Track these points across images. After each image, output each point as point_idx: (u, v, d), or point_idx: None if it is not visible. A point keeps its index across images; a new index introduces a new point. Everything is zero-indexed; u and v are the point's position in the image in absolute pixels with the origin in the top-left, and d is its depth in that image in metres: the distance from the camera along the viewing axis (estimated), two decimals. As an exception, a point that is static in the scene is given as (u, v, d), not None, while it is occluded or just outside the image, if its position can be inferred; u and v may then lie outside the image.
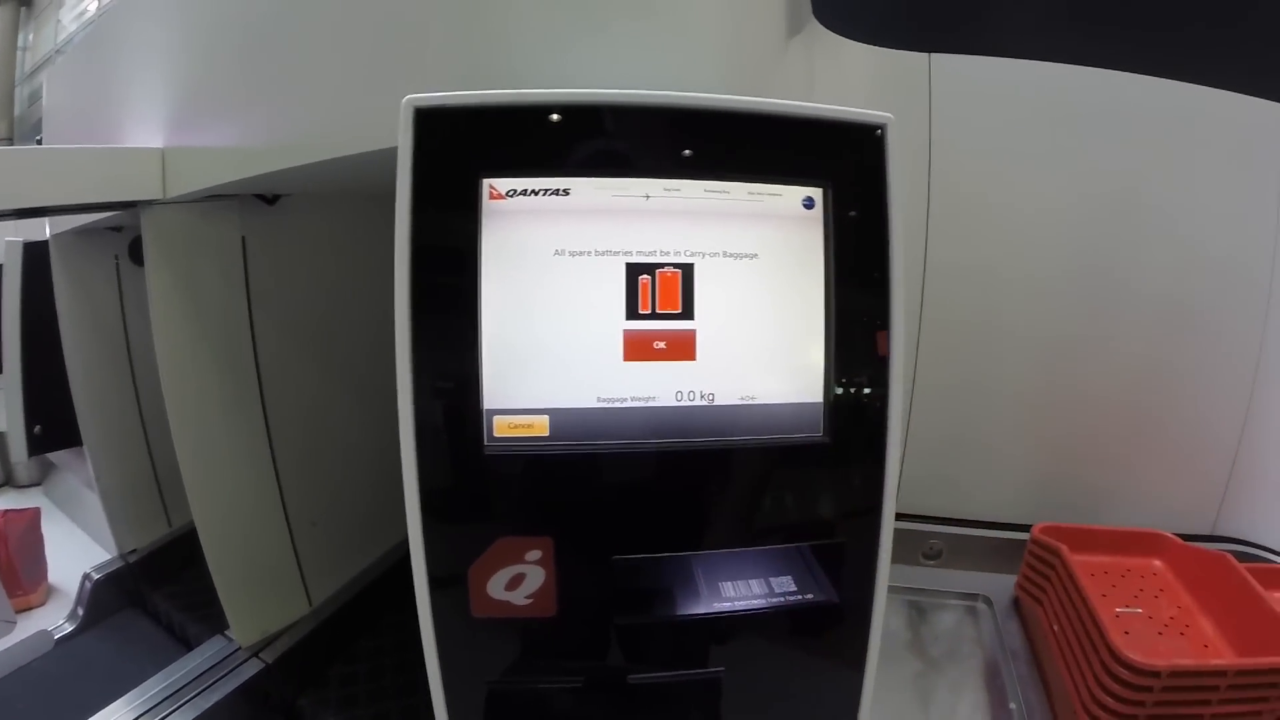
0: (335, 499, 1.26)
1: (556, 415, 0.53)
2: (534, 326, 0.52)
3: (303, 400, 1.18)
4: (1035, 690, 0.89)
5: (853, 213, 0.55)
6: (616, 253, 0.53)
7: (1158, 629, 0.89)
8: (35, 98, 4.31)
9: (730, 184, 0.54)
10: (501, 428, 0.52)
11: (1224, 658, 0.83)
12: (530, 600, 0.55)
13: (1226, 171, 1.04)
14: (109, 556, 1.52)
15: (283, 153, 0.75)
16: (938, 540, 1.16)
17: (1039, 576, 0.99)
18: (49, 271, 1.38)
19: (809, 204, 0.55)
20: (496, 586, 0.54)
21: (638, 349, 0.53)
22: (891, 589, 1.05)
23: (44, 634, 1.36)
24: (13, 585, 1.42)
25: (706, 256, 0.54)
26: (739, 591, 0.57)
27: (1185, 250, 1.06)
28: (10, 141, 4.46)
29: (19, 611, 1.42)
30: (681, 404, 0.53)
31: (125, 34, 1.07)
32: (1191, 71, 0.95)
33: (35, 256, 1.41)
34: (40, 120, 1.54)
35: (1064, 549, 0.94)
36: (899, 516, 1.18)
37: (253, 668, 1.10)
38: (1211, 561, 0.92)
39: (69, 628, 1.41)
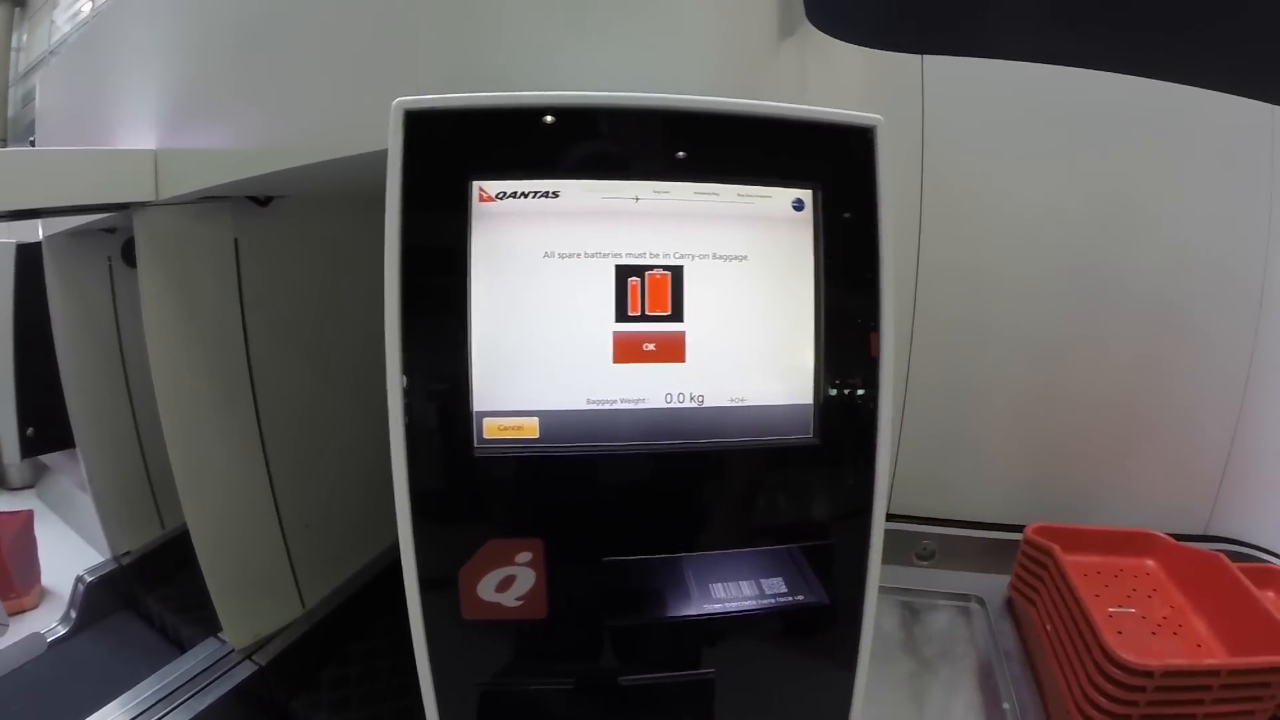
0: (328, 501, 1.25)
1: (546, 417, 0.53)
2: (524, 328, 0.52)
3: (295, 402, 1.18)
4: (1029, 690, 0.89)
5: (842, 214, 0.55)
6: (606, 255, 0.53)
7: (1150, 629, 0.89)
8: (29, 99, 4.30)
9: (720, 186, 0.54)
10: (491, 429, 0.52)
11: (1217, 657, 0.84)
12: (521, 602, 0.54)
13: (1217, 172, 1.04)
14: (102, 559, 1.51)
15: (275, 155, 0.75)
16: (930, 541, 1.16)
17: (1032, 577, 1.00)
18: (42, 273, 1.38)
19: (799, 206, 0.55)
20: (487, 588, 0.54)
21: (627, 351, 0.53)
22: (884, 590, 1.06)
23: (37, 637, 1.36)
24: (6, 588, 1.42)
25: (696, 258, 0.54)
26: (730, 593, 0.57)
27: (1176, 250, 1.07)
28: (4, 143, 4.45)
29: (12, 614, 1.41)
30: (671, 406, 0.54)
31: (119, 35, 1.07)
32: (1182, 73, 0.95)
33: (28, 258, 1.41)
34: (34, 122, 1.53)
35: (1056, 549, 0.94)
36: (892, 517, 1.19)
37: (246, 670, 1.09)
38: (1204, 561, 0.93)
39: (62, 630, 1.40)
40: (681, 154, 0.53)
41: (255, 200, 1.07)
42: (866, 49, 0.94)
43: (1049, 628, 0.90)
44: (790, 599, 0.57)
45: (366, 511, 1.29)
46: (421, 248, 0.51)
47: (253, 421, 1.12)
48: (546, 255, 0.52)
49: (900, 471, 1.18)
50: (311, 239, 1.18)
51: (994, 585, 1.08)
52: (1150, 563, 1.01)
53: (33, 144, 1.64)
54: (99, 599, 1.44)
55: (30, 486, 2.01)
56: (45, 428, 1.47)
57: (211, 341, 1.06)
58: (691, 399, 0.54)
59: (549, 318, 0.52)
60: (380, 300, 0.51)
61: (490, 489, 0.54)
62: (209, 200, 1.00)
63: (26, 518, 1.53)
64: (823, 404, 0.55)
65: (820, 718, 0.62)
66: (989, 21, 0.93)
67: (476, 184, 0.52)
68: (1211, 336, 1.09)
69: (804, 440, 0.55)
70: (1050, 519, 1.03)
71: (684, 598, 0.56)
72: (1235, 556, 0.98)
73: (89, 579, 1.45)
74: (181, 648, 1.27)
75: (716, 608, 0.56)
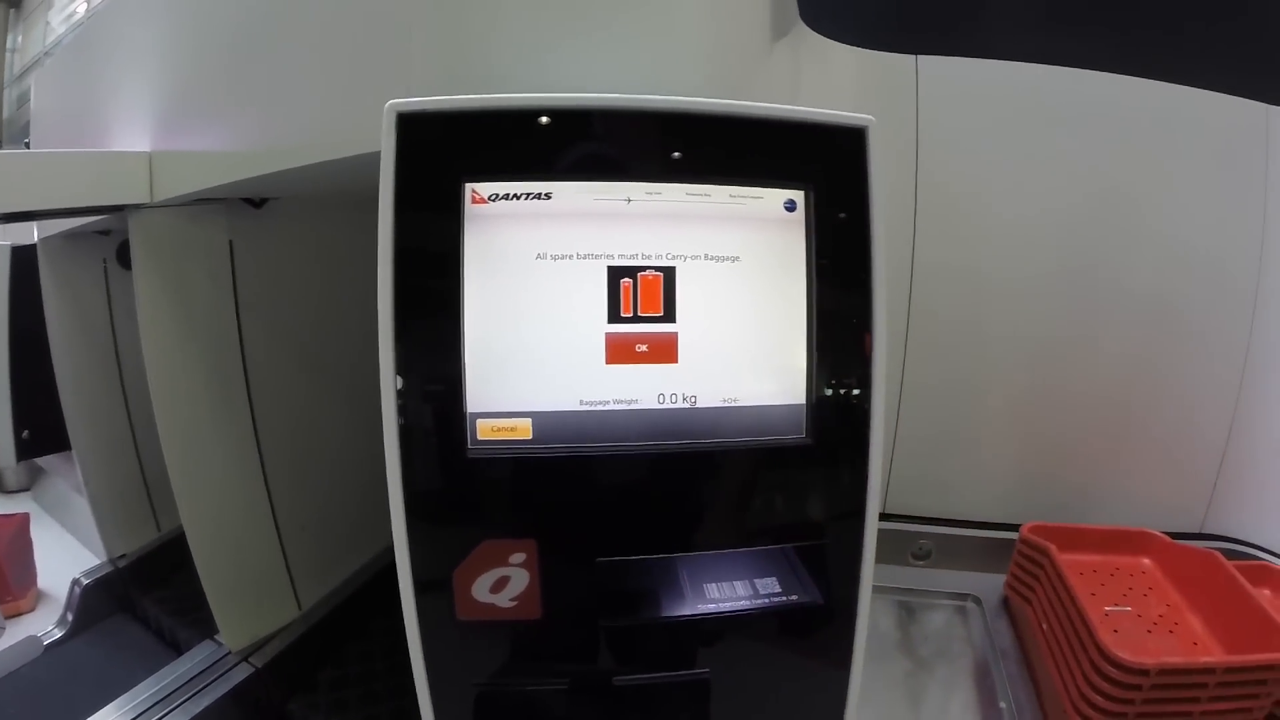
0: (324, 503, 1.25)
1: (539, 418, 0.53)
2: (517, 330, 0.52)
3: (291, 404, 1.18)
4: (1025, 689, 0.89)
5: (835, 215, 0.55)
6: (598, 256, 0.53)
7: (1146, 627, 0.89)
8: (23, 100, 4.29)
9: (712, 187, 0.54)
10: (485, 431, 0.52)
11: (1213, 655, 0.84)
12: (515, 603, 0.54)
13: (1211, 171, 1.05)
14: (98, 561, 1.51)
15: (269, 157, 0.75)
16: (926, 540, 1.16)
17: (1028, 576, 1.00)
18: (36, 275, 1.37)
19: (790, 206, 0.55)
20: (481, 589, 0.54)
21: (620, 352, 0.53)
22: (880, 589, 1.06)
23: (33, 639, 1.35)
24: (2, 591, 1.42)
25: (688, 259, 0.54)
26: (724, 593, 0.57)
27: (1171, 249, 1.07)
28: (-1, 144, 4.43)
29: (8, 617, 1.41)
30: (664, 406, 0.54)
31: (114, 37, 1.07)
32: (1177, 73, 0.96)
33: (23, 260, 1.40)
34: (28, 123, 1.53)
35: (1052, 548, 0.94)
36: (887, 517, 1.19)
37: (243, 672, 1.09)
38: (1200, 559, 0.93)
39: (58, 633, 1.40)
40: (673, 155, 0.53)
41: (250, 202, 1.07)
42: (860, 49, 0.94)
43: (1045, 626, 0.90)
44: (784, 599, 0.57)
45: (362, 513, 1.29)
46: (415, 249, 0.51)
47: (248, 423, 1.12)
48: (539, 257, 0.52)
49: (896, 471, 1.18)
50: (306, 240, 1.18)
51: (990, 584, 1.08)
52: (1146, 561, 1.01)
53: (27, 146, 1.63)
54: (95, 602, 1.44)
55: (26, 489, 2.01)
56: (41, 430, 1.47)
57: (207, 343, 1.06)
58: (684, 400, 0.54)
59: (542, 319, 0.52)
60: (374, 302, 0.51)
61: (484, 490, 0.54)
62: (204, 202, 1.00)
63: (22, 520, 1.52)
64: (815, 404, 0.55)
65: (816, 717, 0.62)
66: (983, 22, 0.94)
67: (469, 186, 0.52)
68: (1207, 335, 1.09)
69: (797, 440, 0.55)
70: (1046, 518, 1.03)
71: (678, 598, 0.56)
72: (1231, 554, 0.98)
73: (85, 582, 1.44)
74: (178, 650, 1.27)
75: (711, 608, 0.56)
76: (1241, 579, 0.85)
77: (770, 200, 0.55)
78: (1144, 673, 0.72)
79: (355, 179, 0.64)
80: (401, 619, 0.55)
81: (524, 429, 0.53)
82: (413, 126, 0.51)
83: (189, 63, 0.88)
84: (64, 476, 1.76)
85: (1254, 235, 1.05)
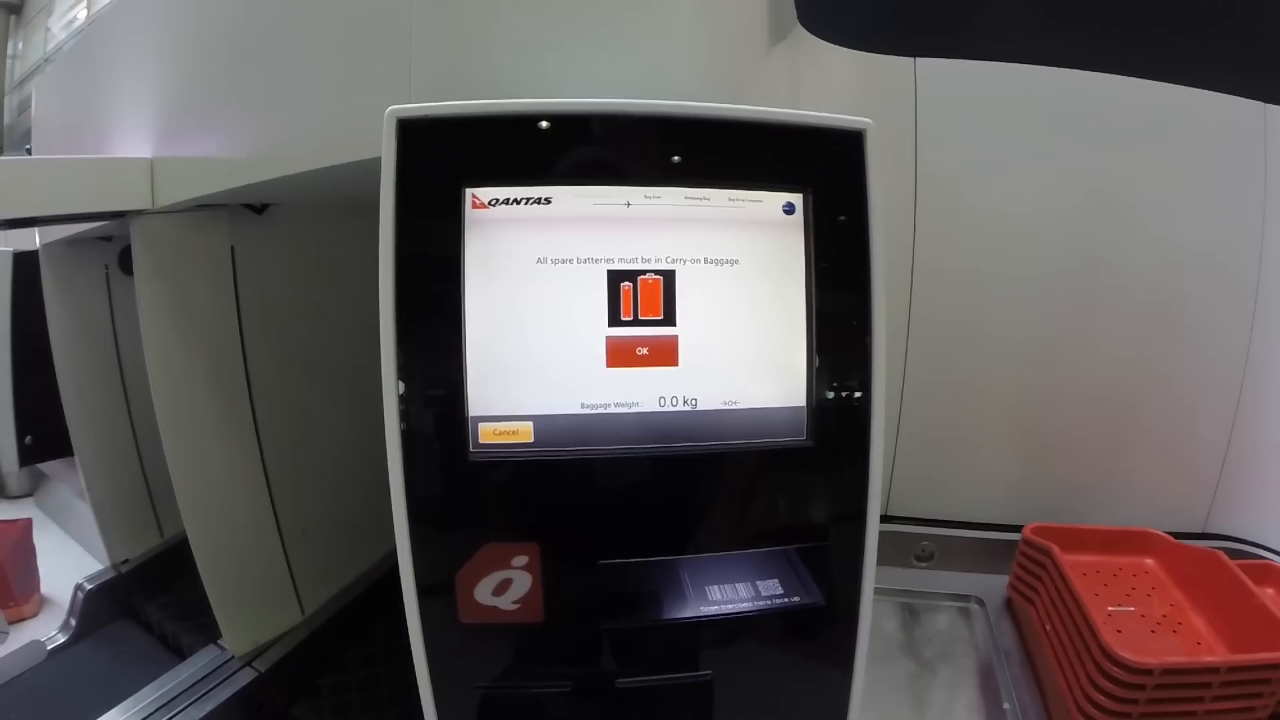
0: (327, 508, 1.25)
1: (540, 422, 0.53)
2: (517, 333, 0.52)
3: (293, 409, 1.18)
4: (1029, 690, 0.89)
5: (833, 218, 0.55)
6: (598, 260, 0.53)
7: (1150, 627, 0.89)
8: (24, 107, 4.30)
9: (711, 190, 0.54)
10: (486, 434, 0.53)
11: (1217, 655, 0.83)
12: (517, 605, 0.55)
13: (1209, 171, 1.05)
14: (101, 567, 1.51)
15: (270, 163, 0.76)
16: (929, 542, 1.16)
17: (1030, 577, 1.00)
18: (39, 281, 1.38)
19: (789, 210, 0.55)
20: (484, 592, 0.54)
21: (620, 355, 0.53)
22: (883, 591, 1.06)
23: (37, 645, 1.36)
24: (5, 596, 1.42)
25: (688, 263, 0.54)
26: (726, 595, 0.57)
27: (1171, 250, 1.07)
28: None
29: (11, 623, 1.42)
30: (665, 409, 0.54)
31: (114, 43, 1.07)
32: (1174, 74, 0.96)
33: (25, 266, 1.41)
34: (29, 130, 1.53)
35: (1055, 549, 0.94)
36: (890, 519, 1.19)
37: (246, 677, 1.10)
38: (1203, 559, 0.93)
39: (62, 638, 1.40)
40: (672, 159, 0.53)
41: (251, 208, 1.08)
42: (859, 53, 0.94)
43: (1048, 627, 0.90)
44: (786, 601, 0.57)
45: (365, 518, 1.29)
46: (416, 254, 0.51)
47: (251, 428, 1.12)
48: (539, 261, 0.53)
49: (898, 473, 1.18)
50: (307, 246, 1.18)
51: (993, 585, 1.08)
52: (1149, 561, 1.01)
53: (29, 152, 1.64)
54: (98, 607, 1.44)
55: (29, 495, 2.01)
56: (43, 436, 1.47)
57: (209, 349, 1.07)
58: (685, 402, 0.54)
59: (543, 323, 0.53)
60: (375, 306, 0.51)
61: (486, 493, 0.54)
62: (205, 208, 1.00)
63: (25, 526, 1.53)
64: (815, 406, 0.55)
65: (818, 719, 0.62)
66: (981, 24, 0.94)
67: (469, 191, 0.52)
68: (1207, 335, 1.09)
69: (797, 442, 0.55)
70: (1048, 519, 1.03)
71: (680, 600, 0.56)
72: (1234, 554, 0.98)
73: (88, 587, 1.45)
74: (181, 655, 1.27)
75: (713, 610, 0.56)
76: (1245, 578, 0.85)
77: (769, 203, 0.55)
78: (1148, 673, 0.72)
79: (356, 184, 0.65)
80: (404, 623, 0.55)
81: (525, 432, 0.53)
82: (413, 132, 0.51)
83: (190, 68, 0.88)
84: (67, 482, 1.76)
85: (1253, 234, 1.05)
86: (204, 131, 0.86)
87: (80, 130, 1.19)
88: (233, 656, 1.13)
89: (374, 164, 0.51)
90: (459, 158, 0.52)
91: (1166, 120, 1.03)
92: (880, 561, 0.58)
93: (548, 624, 0.55)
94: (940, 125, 1.06)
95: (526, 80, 0.58)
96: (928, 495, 1.19)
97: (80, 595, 1.44)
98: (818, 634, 0.60)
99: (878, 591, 0.59)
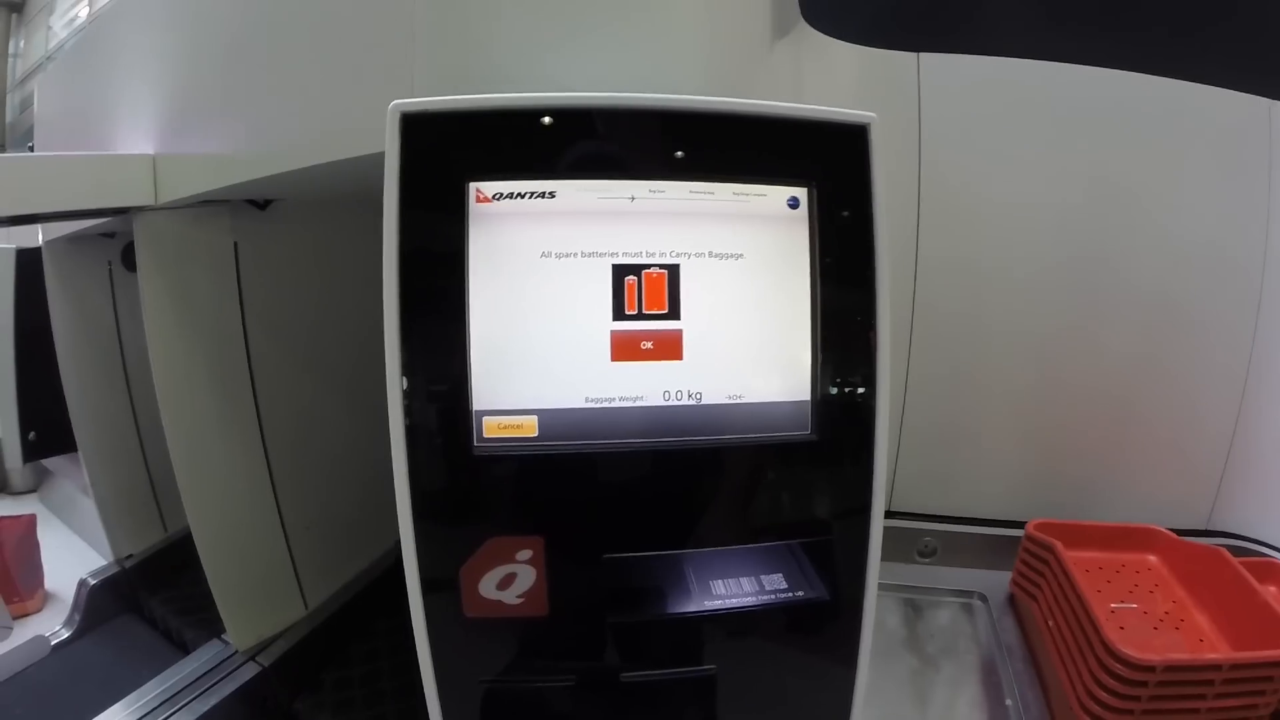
0: (330, 503, 1.26)
1: (545, 415, 0.53)
2: (522, 328, 0.52)
3: (296, 404, 1.18)
4: (1031, 686, 0.89)
5: (838, 212, 0.55)
6: (603, 254, 0.53)
7: (1153, 624, 0.89)
8: (27, 104, 4.31)
9: (715, 184, 0.54)
10: (491, 428, 0.53)
11: (1219, 652, 0.84)
12: (522, 600, 0.55)
13: (1214, 164, 1.04)
14: (105, 562, 1.52)
15: (273, 158, 0.76)
16: (932, 538, 1.16)
17: (1033, 573, 1.00)
18: (42, 278, 1.38)
19: (794, 204, 0.55)
20: (488, 586, 0.54)
21: (625, 349, 0.53)
22: (886, 587, 1.06)
23: (41, 640, 1.36)
24: (9, 592, 1.42)
25: (692, 257, 0.54)
26: (730, 589, 0.57)
27: (1175, 244, 1.07)
28: (2, 148, 4.45)
29: (16, 618, 1.42)
30: (669, 403, 0.54)
31: (116, 40, 1.07)
32: (1179, 69, 0.95)
33: (28, 263, 1.41)
34: (32, 127, 1.54)
35: (1058, 545, 0.94)
36: (893, 514, 1.19)
37: (249, 671, 1.10)
38: (1206, 556, 0.93)
39: (66, 633, 1.41)
40: (677, 153, 0.53)
41: (254, 204, 1.08)
42: (862, 47, 0.94)
43: (1051, 624, 0.90)
44: (790, 595, 0.57)
45: (368, 512, 1.30)
46: (420, 249, 0.51)
47: (254, 424, 1.12)
48: (544, 255, 0.52)
49: (901, 468, 1.18)
50: (310, 241, 1.18)
51: (996, 581, 1.08)
52: (1152, 558, 1.01)
53: (31, 149, 1.64)
54: (102, 602, 1.45)
55: (33, 491, 2.02)
56: (47, 432, 1.48)
57: (212, 344, 1.07)
58: (689, 396, 0.54)
59: (547, 317, 0.52)
60: (379, 301, 0.51)
61: (490, 487, 0.54)
62: (208, 204, 1.00)
63: (29, 522, 1.53)
64: (820, 400, 0.55)
65: (822, 714, 0.62)
66: (985, 19, 0.93)
67: (473, 185, 0.52)
68: (1212, 330, 1.09)
69: (802, 437, 0.55)
70: (1051, 515, 1.03)
71: (684, 594, 0.56)
72: (1237, 551, 0.98)
73: (92, 582, 1.45)
74: (185, 650, 1.28)
75: (717, 604, 0.56)
76: (1247, 575, 0.85)
77: (774, 198, 0.55)
78: (1150, 669, 0.72)
79: (359, 179, 0.65)
80: (408, 618, 0.55)
81: (530, 426, 0.53)
82: (417, 126, 0.51)
83: (192, 64, 0.88)
84: (70, 478, 1.77)
85: (1259, 229, 1.05)
86: (207, 127, 0.86)
87: (83, 127, 1.19)
88: (236, 651, 1.13)
89: (377, 159, 0.51)
90: (463, 152, 0.52)
91: (1172, 114, 1.03)
92: (883, 557, 0.58)
93: (552, 618, 0.55)
94: (943, 119, 1.06)
95: (529, 75, 0.57)
96: (931, 490, 1.19)
97: (84, 590, 1.44)
98: (822, 629, 0.60)
99: (880, 587, 0.59)
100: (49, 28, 4.24)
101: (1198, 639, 0.87)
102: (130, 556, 1.51)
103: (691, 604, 0.56)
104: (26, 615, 1.46)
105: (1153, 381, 1.11)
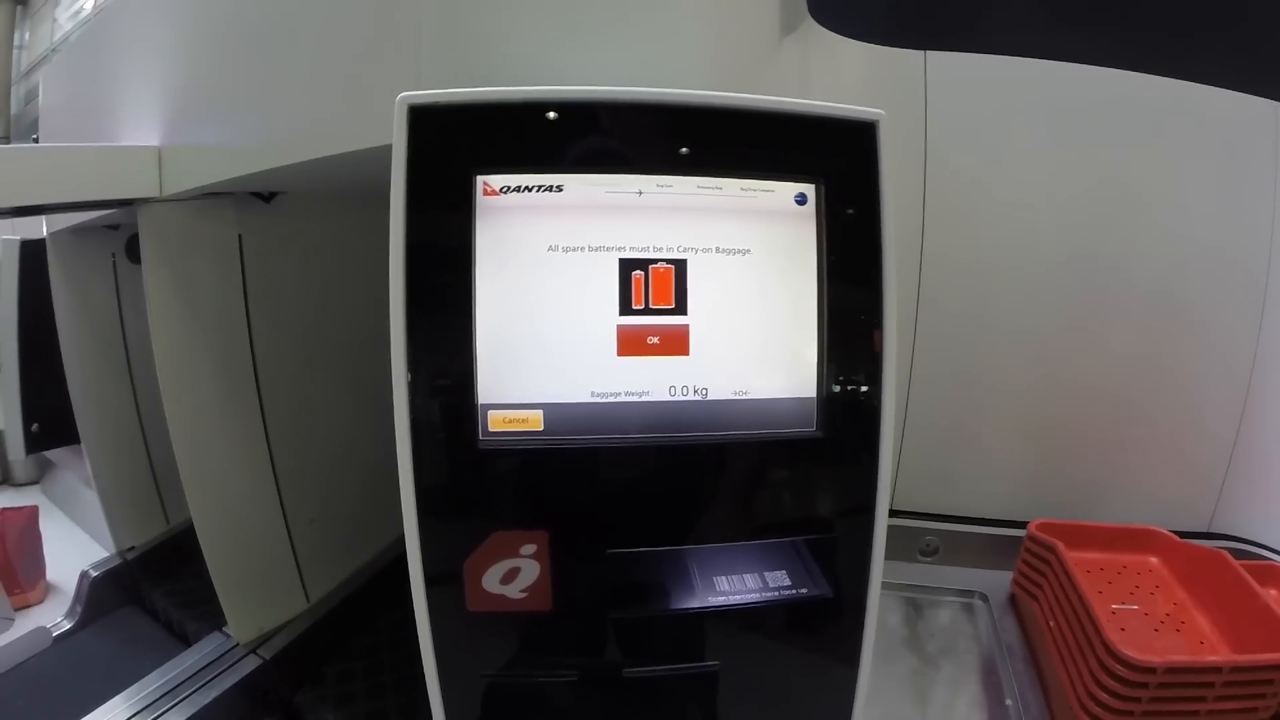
0: (333, 496, 1.26)
1: (550, 410, 0.53)
2: (528, 321, 0.52)
3: (300, 397, 1.19)
4: (1032, 687, 0.89)
5: (846, 209, 0.55)
6: (610, 248, 0.53)
7: (1153, 625, 0.89)
8: (32, 96, 4.31)
9: (723, 180, 0.54)
10: (496, 422, 0.53)
11: (1220, 654, 0.84)
12: (525, 594, 0.55)
13: (1220, 165, 1.04)
14: (107, 554, 1.52)
15: (278, 150, 0.75)
16: (934, 537, 1.16)
17: (1035, 573, 1.00)
18: (46, 269, 1.38)
19: (801, 200, 0.55)
20: (492, 581, 0.54)
21: (631, 344, 0.53)
22: (888, 586, 1.06)
23: (42, 631, 1.37)
24: (11, 583, 1.42)
25: (699, 252, 0.54)
26: (733, 586, 0.57)
27: (1180, 244, 1.06)
28: (7, 140, 4.45)
29: (17, 609, 1.43)
30: (675, 399, 0.54)
31: (121, 32, 1.07)
32: (1185, 70, 0.95)
33: (32, 254, 1.41)
34: (37, 119, 1.53)
35: (1060, 545, 0.94)
36: (895, 513, 1.18)
37: (251, 664, 1.10)
38: (1207, 558, 0.93)
39: (67, 625, 1.41)
40: (684, 148, 0.53)
41: (259, 196, 1.07)
42: (870, 45, 0.94)
43: (1052, 624, 0.90)
44: (794, 592, 0.57)
45: (371, 506, 1.30)
46: (426, 242, 0.51)
47: (257, 416, 1.12)
48: (550, 249, 0.52)
49: (903, 467, 1.18)
50: (316, 234, 1.18)
51: (997, 581, 1.08)
52: (1153, 559, 1.01)
53: (36, 141, 1.64)
54: (104, 594, 1.45)
55: (35, 482, 2.02)
56: (50, 423, 1.48)
57: (216, 337, 1.07)
58: (695, 392, 0.54)
59: (553, 311, 0.52)
60: (384, 294, 0.51)
61: (495, 481, 0.54)
62: (213, 196, 1.00)
63: (31, 513, 1.54)
64: (826, 397, 0.55)
65: (824, 711, 0.62)
66: (992, 18, 0.93)
67: (480, 178, 0.52)
68: (1216, 331, 1.08)
69: (807, 434, 0.55)
70: (1053, 515, 1.03)
71: (688, 590, 0.56)
72: (1238, 554, 0.98)
73: (94, 574, 1.45)
74: (186, 642, 1.28)
75: (720, 600, 0.56)
76: (1249, 578, 0.85)
77: (781, 194, 0.55)
78: (1151, 671, 0.72)
79: (365, 172, 0.64)
80: (410, 611, 0.55)
81: (535, 421, 0.53)
82: (424, 119, 0.51)
83: (197, 56, 0.88)
84: (73, 469, 1.77)
85: (1263, 229, 1.05)
86: (212, 119, 0.86)
87: (88, 119, 1.19)
88: (238, 644, 1.13)
89: (384, 151, 0.51)
90: (470, 145, 0.52)
91: (1177, 114, 1.03)
92: (885, 556, 0.58)
93: (555, 613, 0.55)
94: (950, 118, 1.06)
95: (535, 70, 0.57)
96: (933, 489, 1.18)
97: (86, 582, 1.44)
98: (824, 626, 0.60)
99: (881, 586, 0.59)
100: (54, 20, 4.24)
101: (1198, 641, 0.87)
102: (132, 548, 1.51)
103: (695, 600, 0.56)
104: (28, 607, 1.46)
105: (1156, 382, 1.11)
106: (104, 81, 1.12)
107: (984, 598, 1.06)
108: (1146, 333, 1.09)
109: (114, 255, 1.43)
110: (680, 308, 0.54)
